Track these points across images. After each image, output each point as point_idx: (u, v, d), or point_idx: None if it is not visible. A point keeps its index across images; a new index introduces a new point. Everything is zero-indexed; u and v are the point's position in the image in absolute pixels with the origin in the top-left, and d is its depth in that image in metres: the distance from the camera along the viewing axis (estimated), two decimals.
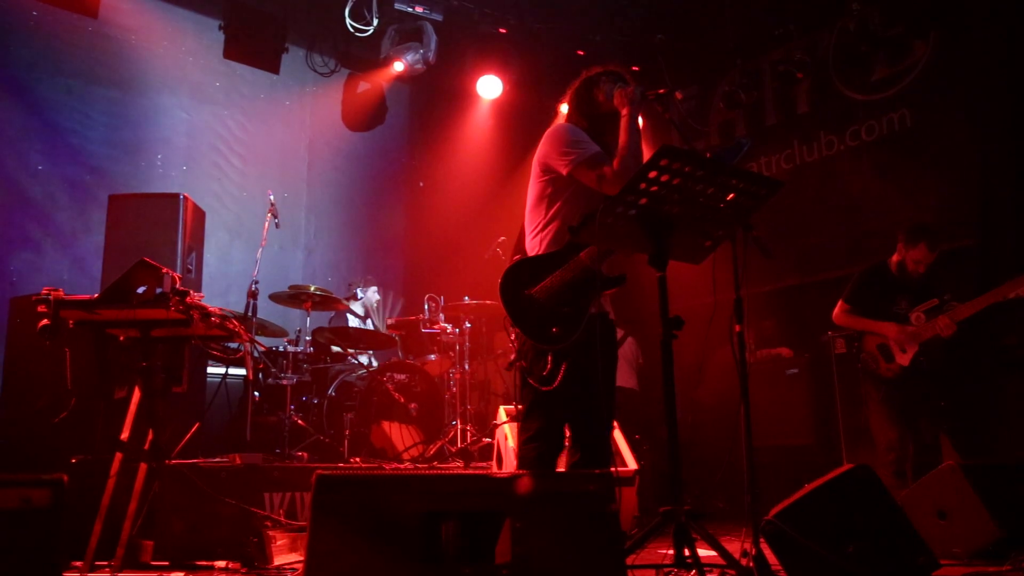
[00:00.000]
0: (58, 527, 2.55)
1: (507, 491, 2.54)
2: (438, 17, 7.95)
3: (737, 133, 8.11)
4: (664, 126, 7.77)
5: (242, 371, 5.62)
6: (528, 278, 3.21)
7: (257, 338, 5.89)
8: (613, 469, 2.87)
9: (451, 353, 6.96)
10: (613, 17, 8.15)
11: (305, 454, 5.80)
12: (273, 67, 8.23)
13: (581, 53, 8.29)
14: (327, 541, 2.35)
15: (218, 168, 8.33)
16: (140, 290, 3.57)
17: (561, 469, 3.45)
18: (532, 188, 3.42)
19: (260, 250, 6.25)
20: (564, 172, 3.27)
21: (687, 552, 2.77)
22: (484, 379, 7.61)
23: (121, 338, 3.94)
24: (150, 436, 3.77)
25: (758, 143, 7.84)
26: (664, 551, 2.85)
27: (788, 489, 3.31)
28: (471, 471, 5.61)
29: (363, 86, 8.93)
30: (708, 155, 3.04)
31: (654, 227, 2.95)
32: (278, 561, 3.89)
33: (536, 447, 3.23)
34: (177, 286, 3.60)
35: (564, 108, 3.57)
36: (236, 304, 6.77)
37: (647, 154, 2.83)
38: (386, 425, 6.41)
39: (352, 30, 7.60)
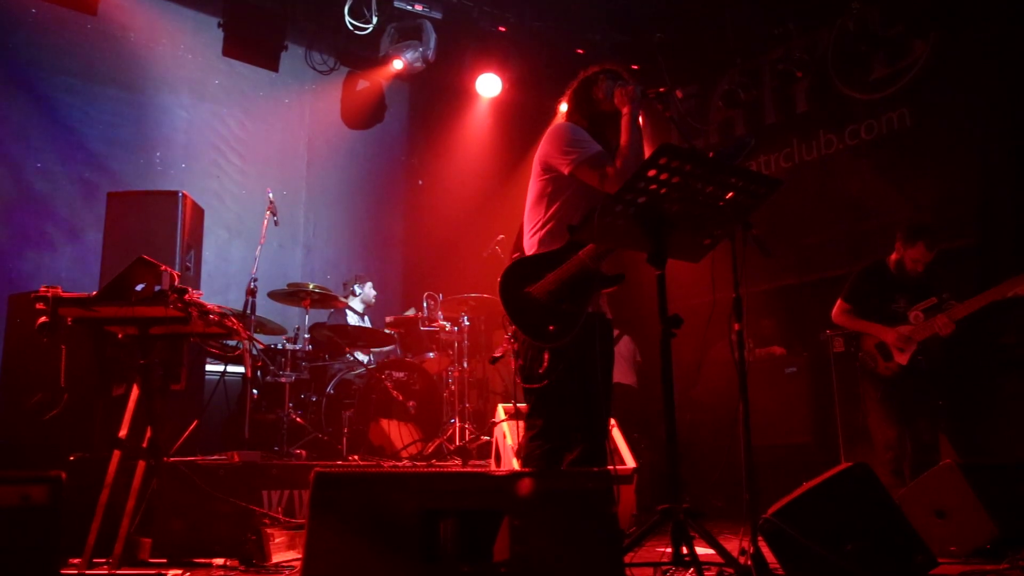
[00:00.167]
0: (56, 524, 2.55)
1: (505, 489, 2.54)
2: (437, 15, 7.94)
3: (736, 132, 8.12)
4: (664, 124, 7.79)
5: (241, 369, 5.63)
6: (527, 276, 3.22)
7: (256, 336, 5.89)
8: (611, 467, 2.88)
9: (450, 351, 6.96)
10: (612, 16, 8.15)
11: (303, 452, 5.80)
12: (272, 65, 8.22)
13: (580, 52, 8.29)
14: (325, 539, 2.34)
15: (217, 166, 8.33)
16: (139, 287, 3.57)
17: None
18: (532, 187, 3.43)
19: (259, 248, 6.25)
20: (566, 171, 3.27)
21: (685, 550, 2.77)
22: (483, 377, 7.61)
23: (120, 336, 3.94)
24: (148, 434, 3.77)
25: (757, 142, 7.84)
26: (662, 549, 2.85)
27: (786, 488, 3.32)
28: (469, 469, 5.61)
29: (362, 84, 8.93)
30: (712, 154, 3.04)
31: (653, 225, 2.95)
32: (276, 559, 3.89)
33: (540, 444, 3.24)
34: (176, 284, 3.60)
35: (564, 107, 3.57)
36: (235, 302, 6.77)
37: (647, 153, 2.83)
38: (384, 423, 6.41)
39: (351, 28, 7.60)
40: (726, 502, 6.23)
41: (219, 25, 7.95)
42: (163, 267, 3.61)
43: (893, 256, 5.09)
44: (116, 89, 7.67)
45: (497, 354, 5.02)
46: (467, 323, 6.95)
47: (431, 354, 7.09)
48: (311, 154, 9.16)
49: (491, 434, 5.82)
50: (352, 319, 7.45)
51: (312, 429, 6.10)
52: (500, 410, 5.65)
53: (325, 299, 6.59)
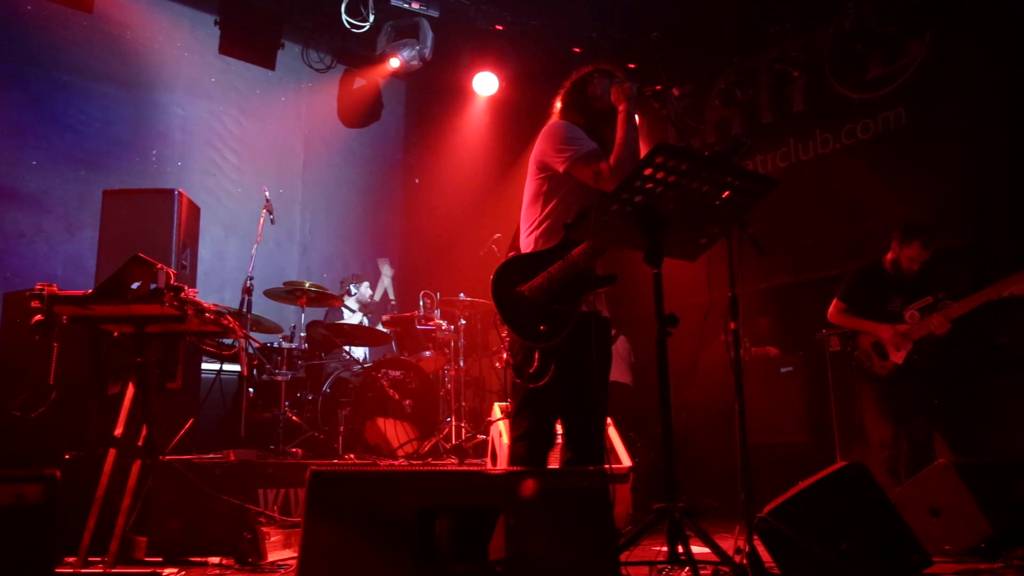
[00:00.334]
0: (52, 523, 2.54)
1: (501, 488, 2.54)
2: (434, 14, 7.94)
3: (733, 131, 8.12)
4: (660, 123, 7.79)
5: (237, 367, 5.62)
6: (520, 275, 3.22)
7: (252, 334, 5.89)
8: (607, 466, 2.88)
9: (446, 350, 6.96)
10: (609, 14, 8.15)
11: (299, 450, 5.80)
12: (269, 63, 8.21)
13: (577, 50, 8.29)
14: (321, 537, 2.34)
15: (213, 164, 8.31)
16: (134, 286, 3.57)
17: (555, 466, 3.46)
18: (528, 186, 3.43)
19: (255, 246, 6.25)
20: (561, 169, 3.27)
21: (681, 549, 2.78)
22: (479, 376, 7.61)
23: (115, 334, 3.93)
24: (144, 432, 3.77)
25: (754, 141, 7.84)
26: (658, 548, 2.85)
27: (782, 487, 3.32)
28: (465, 468, 5.61)
29: (359, 82, 8.92)
30: (708, 153, 3.04)
31: (649, 224, 2.96)
32: (272, 557, 3.89)
33: (526, 445, 3.24)
34: (172, 282, 3.60)
35: (558, 105, 3.57)
36: (231, 300, 6.77)
37: (643, 151, 2.84)
38: (381, 421, 6.40)
39: (348, 26, 7.59)
40: (722, 501, 6.23)
41: (216, 23, 7.95)
42: (159, 265, 3.61)
43: (889, 255, 5.10)
44: (112, 86, 7.65)
45: (505, 360, 5.03)
46: (464, 322, 6.95)
47: (427, 353, 7.08)
48: (308, 152, 9.15)
49: (487, 433, 5.82)
50: (349, 318, 7.45)
51: (308, 428, 6.10)
52: (496, 409, 5.65)
53: (321, 297, 6.58)
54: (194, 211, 5.50)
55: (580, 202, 3.29)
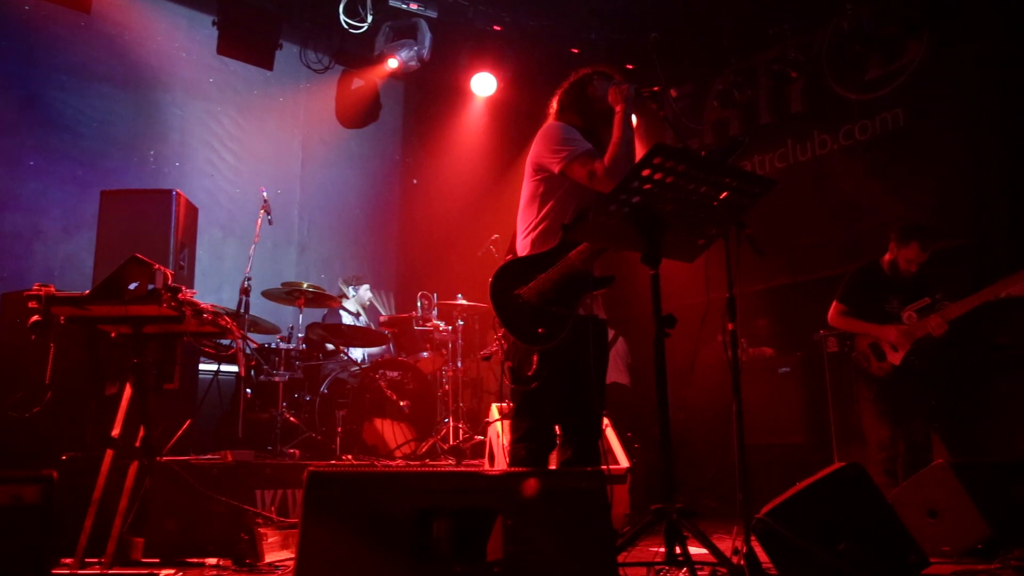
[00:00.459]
0: (48, 524, 2.54)
1: (499, 489, 2.54)
2: (433, 14, 7.94)
3: (731, 131, 8.13)
4: (658, 124, 7.79)
5: (234, 368, 5.62)
6: (517, 278, 3.22)
7: (249, 335, 5.89)
8: (605, 467, 2.88)
9: (444, 351, 6.96)
10: (607, 15, 8.15)
11: (297, 451, 5.79)
12: (267, 63, 8.21)
13: (575, 51, 8.29)
14: (318, 538, 2.34)
15: (211, 164, 8.31)
16: (132, 286, 3.56)
17: (552, 467, 3.46)
18: (525, 188, 3.44)
19: (253, 247, 6.24)
20: (556, 169, 3.28)
21: (678, 550, 2.78)
22: (477, 377, 7.61)
23: (113, 334, 3.93)
24: (141, 433, 3.77)
25: (752, 142, 7.85)
26: (656, 549, 2.85)
27: (779, 488, 3.32)
28: (463, 469, 5.61)
29: (357, 83, 8.92)
30: (704, 153, 3.05)
31: (647, 225, 2.96)
32: (269, 558, 3.88)
33: (526, 446, 3.25)
34: (169, 282, 3.59)
35: (555, 107, 3.57)
36: (229, 301, 6.77)
37: (641, 152, 2.84)
38: (378, 422, 6.40)
39: (346, 27, 7.59)
40: (719, 502, 6.24)
41: (214, 23, 7.95)
42: (156, 266, 3.61)
43: (887, 256, 5.10)
44: (110, 87, 7.64)
45: (485, 353, 5.03)
46: (461, 323, 6.95)
47: (425, 353, 7.08)
48: (306, 153, 9.14)
49: (485, 434, 5.82)
50: (346, 319, 7.45)
51: (306, 428, 6.09)
52: (494, 409, 5.65)
53: (319, 298, 6.58)
54: (192, 212, 5.50)
55: (577, 203, 3.30)
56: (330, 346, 6.85)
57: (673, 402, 3.06)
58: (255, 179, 8.07)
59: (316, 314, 7.39)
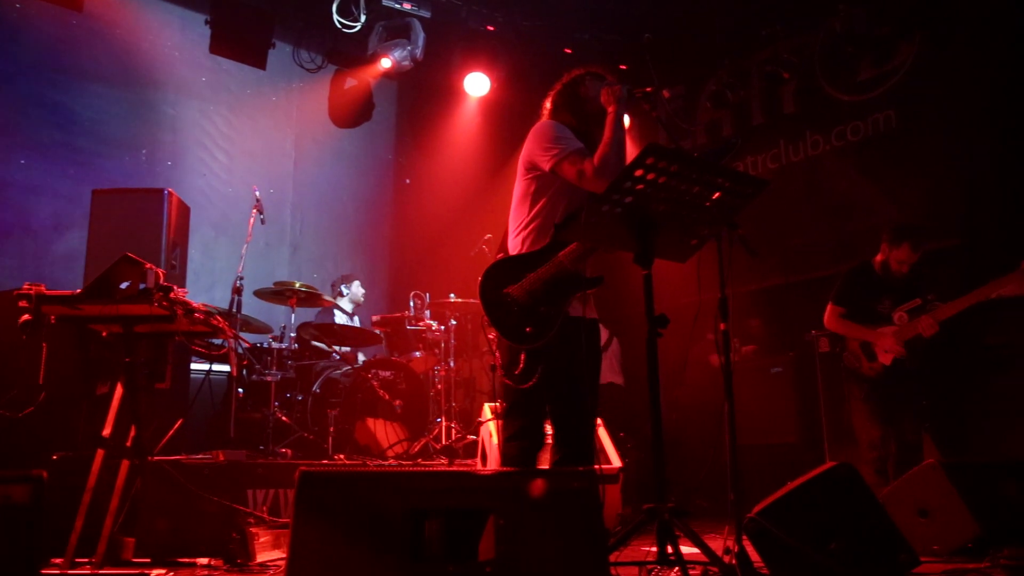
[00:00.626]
0: (38, 524, 2.53)
1: (491, 488, 2.54)
2: (426, 14, 7.94)
3: (724, 132, 8.14)
4: (651, 125, 7.80)
5: (226, 367, 5.60)
6: (508, 277, 3.23)
7: (241, 334, 5.87)
8: (597, 467, 2.88)
9: (436, 350, 6.96)
10: (601, 16, 8.16)
11: (289, 451, 5.78)
12: (260, 63, 8.18)
13: (568, 51, 8.30)
14: (310, 538, 2.34)
15: (203, 164, 8.28)
16: (123, 286, 3.56)
17: (544, 467, 3.46)
18: (517, 186, 3.45)
19: (245, 246, 6.22)
20: (546, 168, 3.29)
21: (670, 549, 2.78)
22: (469, 376, 7.61)
23: (104, 334, 3.92)
24: (133, 432, 3.75)
25: (744, 143, 7.86)
26: (647, 548, 2.86)
27: (771, 487, 3.33)
28: (455, 468, 5.61)
29: (350, 82, 8.90)
30: (697, 154, 3.06)
31: (640, 225, 2.96)
32: (261, 558, 3.88)
33: (518, 445, 3.25)
34: (161, 282, 3.59)
35: (548, 106, 3.58)
36: (221, 300, 6.74)
37: (633, 152, 2.84)
38: (370, 422, 6.40)
39: (339, 26, 7.58)
40: (711, 501, 6.25)
41: (206, 22, 7.91)
42: (148, 265, 3.60)
43: (878, 257, 5.12)
44: (101, 86, 7.61)
45: (494, 362, 5.02)
46: (454, 323, 6.94)
47: (417, 353, 7.08)
48: (298, 152, 9.12)
49: (477, 433, 5.81)
50: (340, 318, 7.44)
51: (298, 428, 6.08)
52: (487, 409, 5.65)
53: (311, 298, 6.57)
54: (184, 211, 5.48)
55: (568, 203, 3.31)
56: (322, 346, 6.84)
57: (665, 402, 3.07)
58: (248, 178, 8.05)
59: (309, 313, 7.38)
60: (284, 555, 3.03)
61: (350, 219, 9.54)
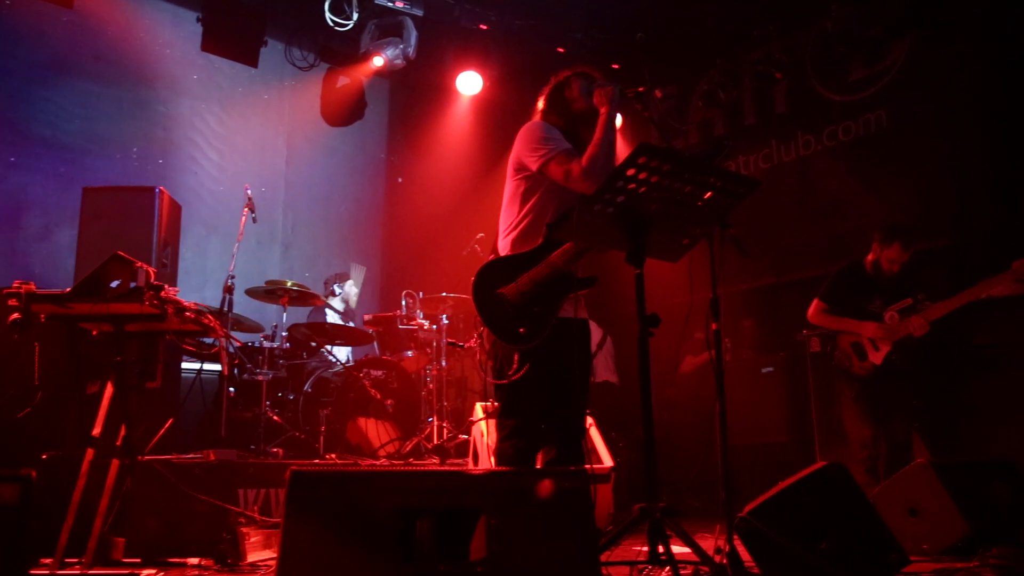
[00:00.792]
0: (26, 524, 2.52)
1: (482, 488, 2.54)
2: (419, 12, 7.93)
3: (716, 132, 8.16)
4: (643, 124, 7.80)
5: (217, 367, 5.58)
6: (501, 278, 3.23)
7: (233, 333, 5.85)
8: (588, 467, 2.88)
9: (428, 350, 6.94)
10: (594, 15, 8.16)
11: (280, 450, 5.77)
12: (251, 60, 8.15)
13: (561, 51, 8.30)
14: (301, 538, 2.33)
15: (195, 162, 8.26)
16: (114, 284, 3.54)
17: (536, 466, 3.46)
18: (507, 187, 3.46)
19: (237, 245, 6.20)
20: (534, 168, 3.29)
21: (661, 549, 2.79)
22: (461, 376, 7.59)
23: (94, 333, 3.90)
24: (123, 432, 3.73)
25: (736, 142, 7.88)
26: (639, 548, 2.86)
27: (762, 487, 3.34)
28: (447, 468, 5.60)
29: (342, 81, 8.88)
30: (688, 155, 3.07)
31: (632, 225, 2.97)
32: (252, 558, 3.87)
33: (513, 444, 3.25)
34: (152, 280, 3.57)
35: (539, 107, 3.58)
36: (212, 299, 6.72)
37: (625, 152, 2.85)
38: (362, 421, 6.38)
39: (332, 24, 7.56)
40: (703, 501, 6.26)
41: (198, 19, 7.89)
42: (139, 263, 3.58)
43: (869, 257, 5.13)
44: (92, 83, 7.58)
45: (460, 343, 5.02)
46: (446, 322, 6.93)
47: (409, 352, 7.06)
48: (290, 151, 9.10)
49: (469, 433, 5.81)
50: (332, 317, 7.42)
51: (289, 427, 6.07)
52: (478, 408, 5.64)
53: (303, 297, 6.55)
54: (175, 209, 5.47)
55: (558, 203, 3.31)
56: (313, 344, 6.82)
57: (657, 401, 3.07)
58: (239, 176, 8.02)
59: (300, 312, 7.36)
60: (275, 555, 3.02)
61: (342, 218, 9.52)
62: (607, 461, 5.34)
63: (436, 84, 8.92)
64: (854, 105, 7.07)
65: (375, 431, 6.36)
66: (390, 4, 7.76)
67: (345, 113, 9.05)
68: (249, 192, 6.37)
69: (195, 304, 3.81)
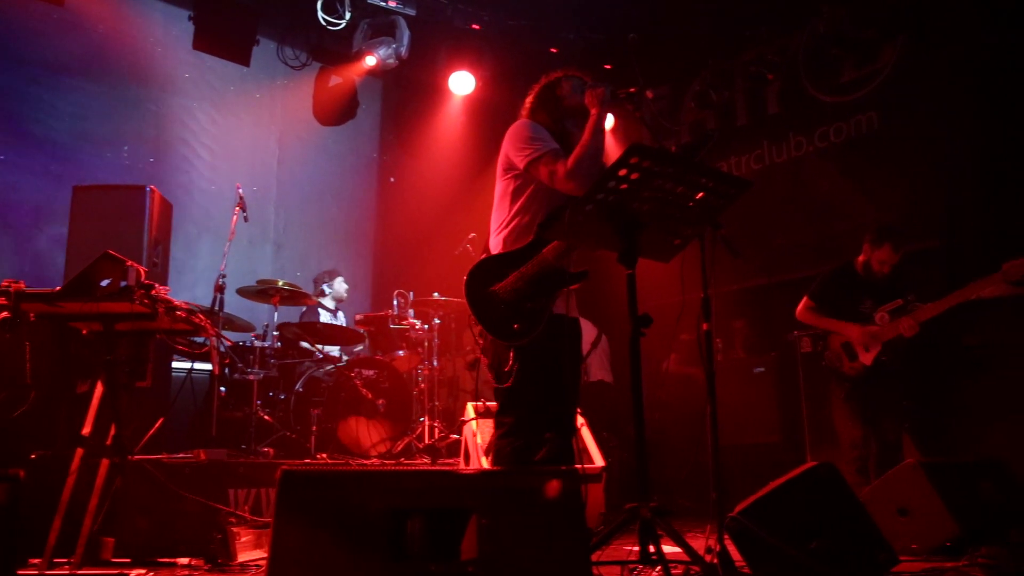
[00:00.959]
0: (14, 523, 2.51)
1: (473, 488, 2.53)
2: (411, 12, 7.92)
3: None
4: (635, 125, 7.81)
5: (208, 366, 5.57)
6: (493, 275, 3.23)
7: (224, 333, 5.84)
8: (580, 466, 2.89)
9: (420, 349, 6.94)
10: (586, 15, 8.17)
11: (271, 450, 5.76)
12: (243, 59, 8.13)
13: (554, 51, 8.30)
14: (292, 538, 2.33)
15: (186, 161, 8.23)
16: (104, 283, 3.52)
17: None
18: (497, 186, 3.46)
19: (228, 244, 6.19)
20: (521, 166, 3.31)
21: (652, 548, 2.79)
22: (452, 375, 7.60)
23: (84, 332, 3.88)
24: (113, 431, 3.72)
25: (728, 143, 7.90)
26: (630, 548, 2.86)
27: (753, 487, 3.34)
28: (438, 468, 5.60)
29: (334, 80, 8.86)
30: (674, 148, 3.07)
31: (624, 225, 2.97)
32: (242, 558, 3.86)
33: (511, 442, 3.25)
34: (142, 279, 3.56)
35: (528, 107, 3.58)
36: (203, 298, 6.71)
37: (616, 152, 2.85)
38: (353, 421, 6.38)
39: (324, 23, 7.54)
40: (694, 500, 6.28)
41: (190, 18, 7.86)
42: (129, 262, 3.57)
43: (860, 258, 5.15)
44: (83, 81, 7.54)
45: (470, 359, 5.01)
46: (438, 321, 6.93)
47: (401, 352, 7.06)
48: (282, 150, 9.08)
49: (460, 432, 5.81)
50: (324, 316, 7.40)
51: (280, 427, 6.06)
52: (470, 408, 5.64)
53: (294, 296, 6.54)
54: (166, 208, 5.44)
55: (548, 202, 3.31)
56: (306, 345, 6.81)
57: (648, 401, 3.08)
58: (231, 176, 8.01)
59: (292, 312, 7.34)
60: (265, 555, 3.01)
61: (334, 217, 9.50)
62: (598, 461, 5.34)
63: (428, 84, 8.91)
64: (846, 106, 7.09)
65: (366, 431, 6.36)
66: (383, 3, 7.75)
67: (337, 112, 9.03)
68: (241, 191, 6.35)
69: (186, 303, 3.80)
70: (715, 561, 2.86)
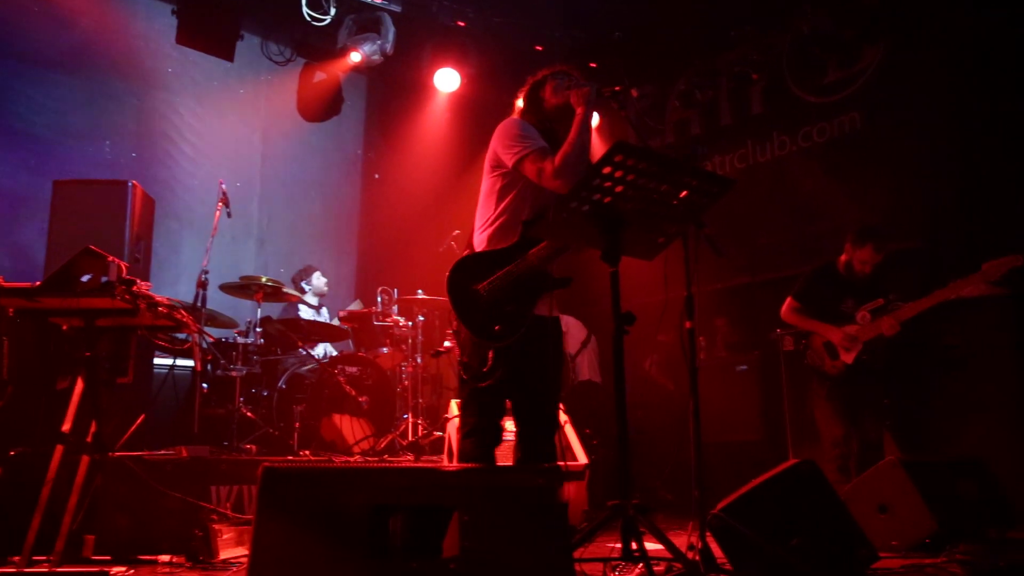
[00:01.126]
0: None
1: (455, 485, 2.53)
2: (397, 8, 7.89)
3: (693, 132, 8.20)
4: (620, 123, 7.83)
5: (190, 362, 5.53)
6: (476, 274, 3.23)
7: (206, 329, 5.81)
8: (563, 464, 2.89)
9: (403, 346, 6.93)
10: (572, 14, 8.18)
11: (254, 447, 5.73)
12: (227, 54, 8.06)
13: (539, 49, 8.30)
14: (273, 535, 2.32)
15: (169, 156, 8.17)
16: (85, 278, 3.50)
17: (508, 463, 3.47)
18: (483, 183, 3.46)
19: (211, 240, 6.15)
20: (509, 164, 3.30)
21: (635, 545, 2.80)
22: (436, 373, 7.59)
23: (64, 327, 3.85)
24: (93, 428, 3.69)
25: (712, 142, 7.93)
26: (612, 545, 2.87)
27: (735, 484, 3.36)
28: (420, 465, 5.59)
29: (319, 76, 8.81)
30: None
31: (607, 223, 2.98)
32: (224, 555, 3.84)
33: (472, 442, 3.26)
34: (124, 275, 3.53)
35: (519, 105, 3.58)
36: (185, 294, 6.65)
37: (601, 151, 2.86)
38: (336, 418, 6.35)
39: (309, 19, 7.50)
40: (676, 497, 6.30)
41: (173, 12, 7.79)
42: (110, 258, 3.54)
43: (843, 257, 5.19)
44: (64, 75, 7.47)
45: (441, 348, 5.00)
46: (421, 319, 6.92)
47: (385, 349, 7.04)
48: (266, 146, 9.03)
49: (444, 430, 5.81)
50: (306, 313, 7.37)
51: (263, 424, 6.03)
52: (453, 406, 5.64)
53: (278, 292, 6.51)
54: (148, 203, 5.41)
55: (534, 200, 3.31)
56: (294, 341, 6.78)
57: (631, 399, 3.09)
58: (214, 171, 7.94)
59: (275, 308, 7.31)
60: (247, 552, 3.00)
61: (318, 214, 9.46)
62: (581, 458, 5.36)
63: (413, 80, 8.89)
64: (829, 107, 7.14)
65: (349, 428, 6.34)
66: None
67: (322, 108, 8.97)
68: (224, 187, 6.31)
69: (168, 299, 3.77)
70: (697, 558, 2.87)
